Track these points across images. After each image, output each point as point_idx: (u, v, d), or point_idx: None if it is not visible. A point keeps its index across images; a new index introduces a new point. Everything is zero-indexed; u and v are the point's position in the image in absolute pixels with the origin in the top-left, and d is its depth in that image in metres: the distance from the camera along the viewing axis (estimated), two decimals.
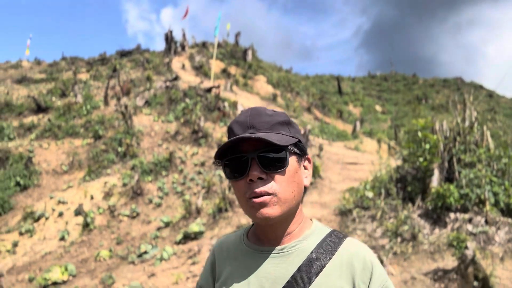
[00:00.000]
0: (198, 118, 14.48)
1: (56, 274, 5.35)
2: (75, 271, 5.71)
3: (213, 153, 13.24)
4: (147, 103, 18.02)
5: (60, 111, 17.41)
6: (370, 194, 5.44)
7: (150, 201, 9.81)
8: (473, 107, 5.88)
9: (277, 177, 0.82)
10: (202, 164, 12.11)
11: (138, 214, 9.16)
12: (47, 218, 9.81)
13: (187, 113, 16.20)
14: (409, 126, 7.14)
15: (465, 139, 5.48)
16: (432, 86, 46.24)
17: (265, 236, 0.89)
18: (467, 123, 5.69)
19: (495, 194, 4.85)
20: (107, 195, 10.42)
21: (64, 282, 5.38)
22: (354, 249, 0.85)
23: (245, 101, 19.33)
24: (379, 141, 12.57)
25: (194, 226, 6.01)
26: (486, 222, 4.55)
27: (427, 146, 5.27)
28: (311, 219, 0.94)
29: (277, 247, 0.87)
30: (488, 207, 4.65)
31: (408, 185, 5.27)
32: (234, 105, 17.05)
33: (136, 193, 10.08)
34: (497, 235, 4.38)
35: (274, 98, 22.94)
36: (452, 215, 4.76)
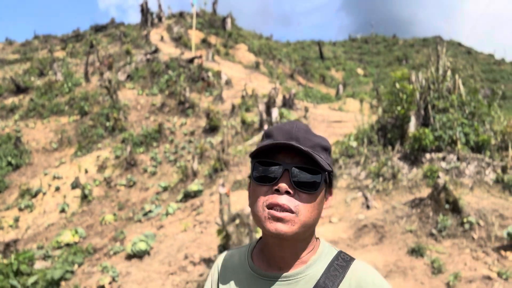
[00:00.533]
0: (184, 89, 14.62)
1: (67, 237, 5.76)
2: (85, 233, 6.13)
3: (201, 122, 13.51)
4: (129, 77, 17.93)
5: (41, 90, 17.20)
6: (354, 144, 5.95)
7: (145, 171, 10.17)
8: (446, 58, 6.35)
9: (305, 197, 0.79)
10: (192, 133, 12.43)
11: (134, 183, 9.54)
12: (44, 194, 10.09)
13: (171, 85, 16.28)
14: (388, 81, 7.59)
15: (438, 87, 5.98)
16: (412, 46, 46.66)
17: (271, 257, 0.86)
18: (440, 72, 6.17)
19: (466, 135, 5.42)
20: (101, 168, 10.71)
21: (76, 243, 5.79)
22: (361, 273, 0.83)
23: (228, 70, 19.39)
24: (361, 101, 13.09)
25: (193, 186, 6.44)
26: (458, 159, 5.13)
27: (404, 96, 5.74)
28: (317, 238, 0.91)
29: (284, 274, 0.84)
30: (459, 146, 5.22)
31: (388, 132, 5.79)
32: (218, 74, 17.16)
33: (130, 164, 10.41)
34: (467, 169, 4.97)
35: (257, 66, 23.04)
36: (427, 155, 5.32)
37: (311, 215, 0.80)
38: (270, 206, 0.78)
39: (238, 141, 9.64)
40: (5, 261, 4.84)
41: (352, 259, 0.86)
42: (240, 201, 5.24)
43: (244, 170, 6.69)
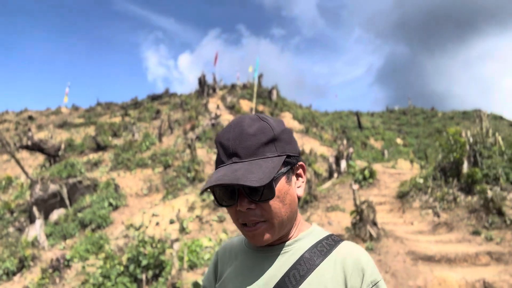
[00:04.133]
0: None
1: (204, 242, 8.17)
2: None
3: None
4: (198, 138, 21.36)
5: (121, 148, 20.78)
6: (421, 180, 8.33)
7: None
8: (487, 120, 8.89)
9: (267, 205, 0.85)
10: None
11: (225, 219, 11.97)
12: (146, 227, 12.66)
13: None
14: (432, 149, 10.09)
15: (483, 140, 8.44)
16: (452, 118, 49.07)
17: None
18: (484, 131, 8.67)
19: (506, 173, 7.72)
20: (191, 208, 13.31)
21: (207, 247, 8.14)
22: (348, 250, 0.90)
23: None
24: (411, 161, 15.41)
25: None
26: (501, 189, 7.38)
27: (458, 146, 8.23)
28: (311, 223, 1.00)
29: (275, 247, 0.94)
30: (501, 180, 7.51)
31: (447, 171, 8.17)
32: None
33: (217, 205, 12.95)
34: (508, 196, 7.19)
35: (307, 131, 26.15)
36: (478, 187, 7.61)
37: (280, 214, 0.87)
38: (243, 223, 0.88)
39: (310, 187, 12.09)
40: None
41: (341, 240, 0.94)
42: (337, 218, 7.59)
43: (331, 201, 9.08)
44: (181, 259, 7.02)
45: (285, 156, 0.88)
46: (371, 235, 5.21)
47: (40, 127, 31.91)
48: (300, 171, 0.95)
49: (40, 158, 24.24)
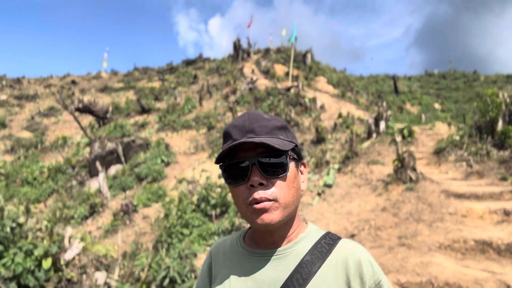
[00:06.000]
0: (289, 111, 18.71)
1: None
2: None
3: (306, 136, 17.29)
4: (236, 102, 22.62)
5: (165, 111, 22.39)
6: (457, 137, 9.24)
7: None
8: None
9: (278, 182, 0.90)
10: (301, 144, 16.23)
11: None
12: (198, 181, 14.29)
13: (273, 109, 20.51)
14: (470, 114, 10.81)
15: None
16: (495, 82, 47.63)
17: (262, 240, 0.99)
18: None
19: None
20: None
21: None
22: (348, 249, 0.94)
23: (320, 96, 23.36)
24: (449, 124, 16.03)
25: (328, 179, 10.03)
26: None
27: (494, 106, 9.01)
28: (306, 223, 1.03)
29: (273, 250, 0.96)
30: None
31: (483, 129, 9.03)
32: (313, 100, 21.16)
33: None
34: None
35: (342, 95, 26.80)
36: (510, 142, 8.47)
37: (289, 195, 0.91)
38: (251, 203, 0.90)
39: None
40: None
41: (339, 238, 0.98)
42: (377, 169, 8.72)
43: (371, 157, 10.18)
44: None
45: (294, 144, 0.94)
46: (411, 178, 6.33)
47: (83, 91, 34.15)
48: (302, 167, 1.00)
49: (85, 120, 26.44)
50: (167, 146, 16.87)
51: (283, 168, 0.90)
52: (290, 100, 21.52)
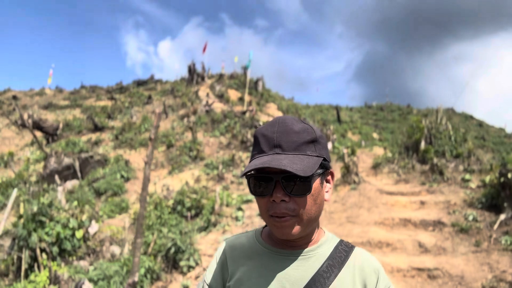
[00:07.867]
0: (246, 132, 20.47)
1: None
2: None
3: None
4: (194, 123, 24.00)
5: (120, 129, 23.12)
6: (389, 155, 11.50)
7: (232, 182, 15.48)
8: (441, 112, 12.16)
9: (301, 200, 0.92)
10: None
11: (229, 189, 14.80)
12: (173, 189, 15.29)
13: (229, 130, 22.18)
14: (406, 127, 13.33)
15: (437, 127, 11.69)
16: (426, 115, 53.46)
17: (283, 242, 1.03)
18: (438, 121, 11.94)
19: (451, 150, 10.98)
20: (197, 180, 16.04)
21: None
22: (364, 257, 1.03)
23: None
24: (385, 148, 18.80)
25: None
26: (446, 161, 10.62)
27: (418, 130, 11.43)
28: (321, 228, 1.09)
29: (296, 251, 1.01)
30: (447, 155, 10.76)
31: (410, 149, 11.37)
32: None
33: (221, 178, 15.76)
34: (450, 164, 10.44)
35: None
36: (429, 158, 10.84)
37: (311, 212, 0.94)
38: (273, 215, 0.93)
39: None
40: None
41: (353, 246, 1.05)
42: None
43: None
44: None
45: (322, 158, 0.96)
46: (354, 181, 8.18)
47: (24, 107, 33.45)
48: (329, 177, 1.03)
49: (27, 137, 26.16)
50: (126, 162, 17.71)
51: (307, 188, 0.92)
52: (245, 122, 23.35)
